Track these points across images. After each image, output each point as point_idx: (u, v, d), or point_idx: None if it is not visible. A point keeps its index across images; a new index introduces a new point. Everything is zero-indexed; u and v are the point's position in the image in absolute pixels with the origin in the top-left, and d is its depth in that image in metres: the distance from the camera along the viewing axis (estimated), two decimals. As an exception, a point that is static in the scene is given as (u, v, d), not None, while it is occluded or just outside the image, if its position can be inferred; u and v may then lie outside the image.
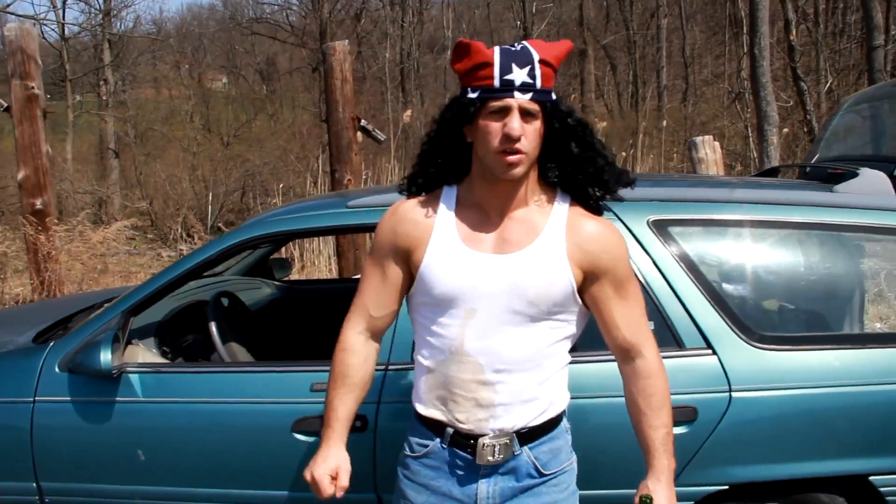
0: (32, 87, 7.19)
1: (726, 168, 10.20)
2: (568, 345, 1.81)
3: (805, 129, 12.10)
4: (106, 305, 2.79)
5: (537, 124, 1.66)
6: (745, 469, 2.31)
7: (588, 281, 1.75)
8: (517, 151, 1.63)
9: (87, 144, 22.87)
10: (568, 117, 1.69)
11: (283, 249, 7.25)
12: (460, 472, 1.78)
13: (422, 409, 1.81)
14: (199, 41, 32.93)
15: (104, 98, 22.48)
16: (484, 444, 1.74)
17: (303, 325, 3.80)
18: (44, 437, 2.58)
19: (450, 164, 1.79)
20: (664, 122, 11.52)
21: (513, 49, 1.66)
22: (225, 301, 3.13)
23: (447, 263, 1.73)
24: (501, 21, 30.12)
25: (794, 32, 11.20)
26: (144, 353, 2.71)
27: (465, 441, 1.76)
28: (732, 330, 2.35)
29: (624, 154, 10.87)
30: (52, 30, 22.24)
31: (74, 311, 3.26)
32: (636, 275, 2.34)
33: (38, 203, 7.23)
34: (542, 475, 1.78)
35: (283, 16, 29.03)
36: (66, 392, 2.57)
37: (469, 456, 1.76)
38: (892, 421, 2.30)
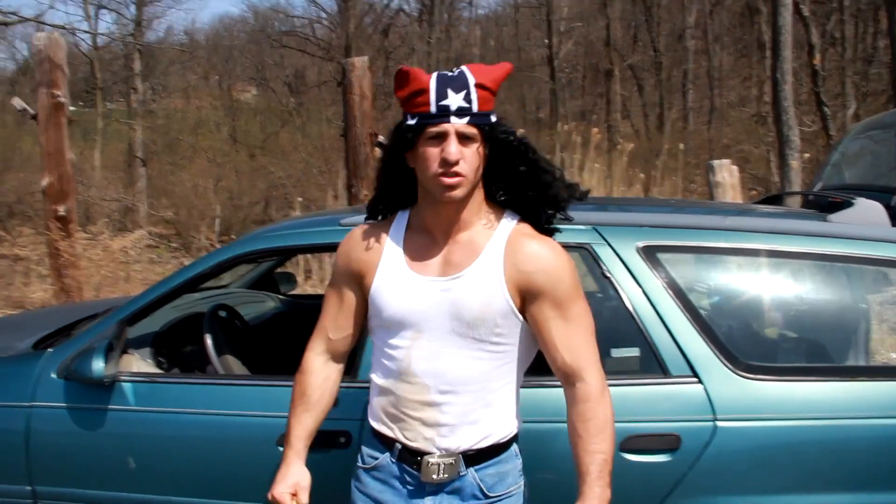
0: (58, 96, 7.34)
1: (747, 192, 10.15)
2: (515, 368, 1.82)
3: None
4: (104, 314, 2.84)
5: (476, 147, 1.69)
6: (729, 499, 2.28)
7: (527, 301, 1.76)
8: (455, 174, 1.66)
9: (116, 152, 23.19)
10: (509, 138, 1.73)
11: (295, 263, 7.32)
12: (407, 488, 1.81)
13: (374, 423, 1.86)
14: (230, 53, 33.32)
15: (133, 107, 22.84)
16: (429, 462, 1.77)
17: (303, 340, 3.83)
18: (39, 442, 2.63)
19: (401, 189, 1.83)
20: (681, 146, 11.42)
21: (449, 75, 1.70)
22: (222, 313, 3.17)
23: (393, 288, 1.77)
24: (528, 39, 30.20)
25: (817, 57, 11.14)
26: (140, 363, 2.76)
27: (412, 458, 1.79)
28: (719, 359, 2.34)
29: (643, 176, 10.83)
30: (84, 40, 22.68)
31: (78, 319, 3.32)
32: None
33: (62, 209, 7.37)
34: (487, 497, 1.80)
35: (311, 29, 29.33)
36: (62, 398, 2.62)
37: (416, 472, 1.79)
38: (881, 456, 2.27)
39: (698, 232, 2.54)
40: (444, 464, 1.77)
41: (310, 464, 1.95)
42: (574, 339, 1.76)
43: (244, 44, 33.57)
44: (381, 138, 7.21)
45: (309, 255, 8.91)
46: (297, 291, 5.04)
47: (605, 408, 1.75)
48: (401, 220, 1.85)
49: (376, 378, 1.85)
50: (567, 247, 2.58)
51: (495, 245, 1.76)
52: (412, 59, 27.00)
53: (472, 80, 1.69)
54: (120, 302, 3.11)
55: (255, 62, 32.34)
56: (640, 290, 2.42)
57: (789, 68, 8.90)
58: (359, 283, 1.85)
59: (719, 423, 2.28)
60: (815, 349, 2.62)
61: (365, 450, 1.90)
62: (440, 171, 1.67)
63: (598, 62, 26.19)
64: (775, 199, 3.92)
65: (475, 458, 1.79)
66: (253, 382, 2.66)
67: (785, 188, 8.78)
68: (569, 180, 1.83)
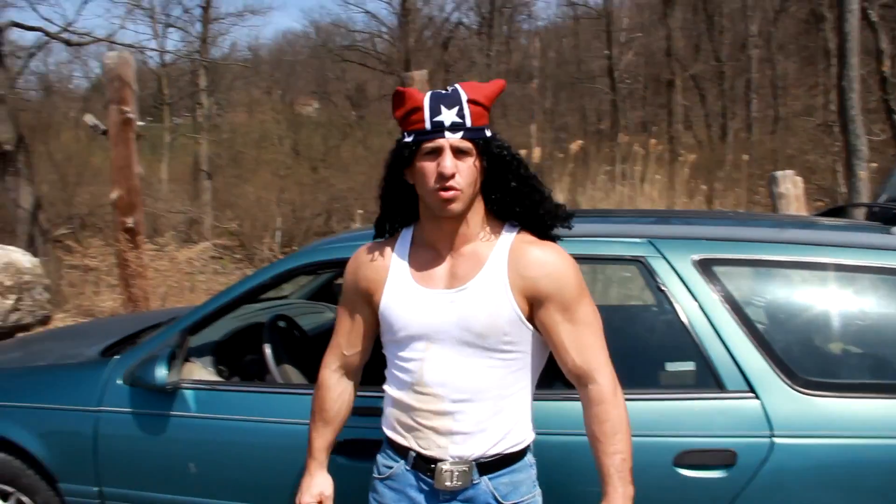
0: (127, 112, 7.59)
1: (812, 204, 9.91)
2: (527, 374, 1.85)
3: (898, 164, 11.63)
4: (167, 324, 2.94)
5: (471, 161, 1.74)
6: None
7: (534, 308, 1.79)
8: (451, 188, 1.71)
9: (182, 165, 23.80)
10: (503, 152, 1.78)
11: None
12: (421, 497, 1.85)
13: (389, 432, 1.91)
14: (292, 67, 33.96)
15: (199, 121, 23.44)
16: (443, 469, 1.80)
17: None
18: (106, 445, 2.74)
19: (403, 206, 1.89)
20: (744, 157, 11.21)
21: (443, 93, 1.76)
22: (282, 324, 3.24)
23: (402, 303, 1.83)
24: (588, 50, 30.06)
25: (886, 63, 10.82)
26: (201, 371, 2.84)
27: (426, 465, 1.83)
28: (777, 374, 2.30)
29: (705, 187, 10.66)
30: (152, 57, 23.39)
31: (144, 328, 3.43)
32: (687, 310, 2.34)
33: (130, 221, 7.61)
34: None
35: (372, 43, 29.70)
36: (127, 404, 2.72)
37: (430, 480, 1.83)
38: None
39: (755, 245, 2.50)
40: (458, 471, 1.80)
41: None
42: (583, 341, 1.79)
43: (306, 58, 34.21)
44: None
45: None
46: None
47: (619, 408, 1.78)
48: (405, 236, 1.92)
49: (390, 390, 1.90)
50: (621, 260, 2.61)
51: (498, 255, 1.80)
52: (472, 71, 27.12)
53: (464, 97, 1.75)
54: (183, 312, 3.20)
55: (316, 76, 32.89)
56: (696, 303, 2.40)
57: (856, 76, 8.67)
58: (368, 300, 1.91)
59: (777, 440, 2.25)
60: (876, 365, 2.55)
61: (380, 459, 1.95)
62: (437, 185, 1.72)
63: (659, 72, 25.91)
64: (839, 211, 3.82)
65: (489, 466, 1.82)
66: (310, 391, 2.70)
67: (852, 199, 8.55)
68: (556, 201, 1.87)
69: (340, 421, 2.04)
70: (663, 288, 2.44)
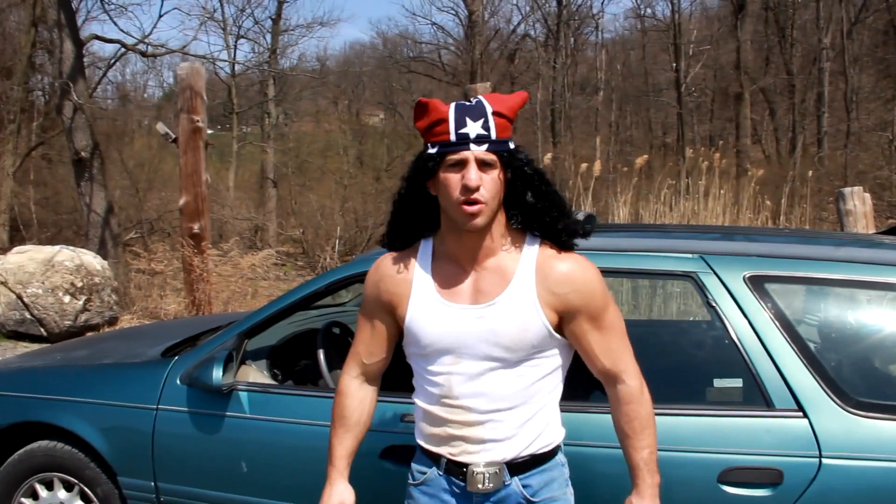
0: (197, 121, 7.84)
1: (883, 221, 9.62)
2: (557, 376, 1.87)
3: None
4: (226, 327, 3.03)
5: (495, 173, 1.73)
6: None
7: (564, 320, 1.81)
8: (476, 202, 1.70)
9: (249, 173, 24.37)
10: (525, 166, 1.77)
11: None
12: (454, 500, 1.87)
13: (421, 442, 1.94)
14: (359, 78, 34.43)
15: (266, 130, 23.95)
16: (475, 472, 1.82)
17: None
18: (163, 442, 2.84)
19: (422, 218, 1.87)
20: (810, 172, 10.95)
21: (467, 104, 1.75)
22: (336, 330, 3.31)
23: (428, 318, 1.82)
24: (655, 63, 29.75)
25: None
26: (256, 374, 2.92)
27: (458, 469, 1.85)
28: (827, 393, 2.26)
29: (771, 203, 10.45)
30: (223, 68, 24.02)
31: (204, 330, 3.54)
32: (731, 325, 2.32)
33: (196, 227, 7.84)
34: (530, 503, 1.85)
35: (438, 55, 29.94)
36: (185, 403, 2.81)
37: (462, 483, 1.84)
38: None
39: (808, 263, 2.47)
40: (490, 473, 1.82)
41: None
42: (611, 345, 1.84)
43: (373, 69, 34.65)
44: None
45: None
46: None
47: (646, 405, 1.85)
48: (426, 248, 1.90)
49: (420, 402, 1.92)
50: (672, 275, 2.61)
51: (524, 270, 1.80)
52: (537, 83, 27.10)
53: (489, 109, 1.73)
54: (241, 316, 3.30)
55: (383, 87, 33.29)
56: (746, 320, 2.37)
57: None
58: (390, 312, 1.91)
59: (825, 461, 2.21)
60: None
61: (414, 467, 1.96)
62: (461, 198, 1.71)
63: (727, 85, 25.49)
64: (900, 231, 3.72)
65: (520, 466, 1.84)
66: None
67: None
68: (577, 216, 1.87)
69: (362, 428, 2.02)
70: (713, 304, 2.43)
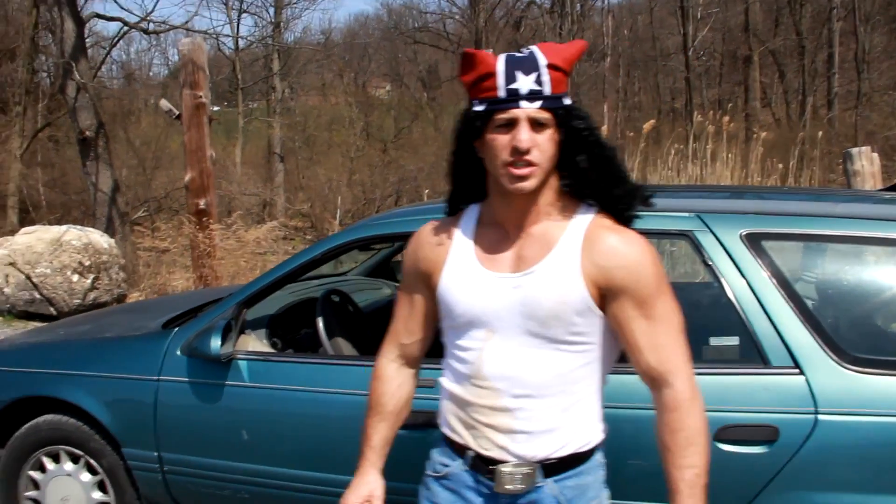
0: (200, 97, 7.82)
1: (890, 181, 9.52)
2: (597, 370, 1.67)
3: None
4: (226, 298, 3.04)
5: (550, 133, 1.56)
6: (828, 496, 2.19)
7: (607, 300, 1.61)
8: (527, 164, 1.54)
9: (256, 149, 24.34)
10: (582, 126, 1.59)
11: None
12: (479, 499, 1.69)
13: (445, 430, 1.76)
14: (364, 50, 34.22)
15: (272, 105, 23.89)
16: (504, 472, 1.64)
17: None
18: (165, 413, 2.86)
19: (471, 181, 1.71)
20: (819, 133, 10.82)
21: (518, 56, 1.57)
22: (335, 298, 3.32)
23: (462, 285, 1.66)
24: (663, 27, 29.41)
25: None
26: (255, 343, 2.93)
27: (485, 466, 1.67)
28: (824, 350, 2.24)
29: (781, 166, 10.37)
30: (226, 43, 23.92)
31: (205, 302, 3.56)
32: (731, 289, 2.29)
33: (202, 203, 7.86)
34: None
35: (443, 24, 29.71)
36: (185, 373, 2.84)
37: (489, 482, 1.66)
38: None
39: (805, 219, 2.45)
40: (520, 473, 1.63)
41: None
42: (659, 340, 1.61)
43: (378, 41, 34.40)
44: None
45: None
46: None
47: (696, 417, 1.59)
48: (471, 214, 1.74)
49: (446, 382, 1.74)
50: (668, 234, 2.59)
51: (571, 238, 1.62)
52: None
53: (543, 61, 1.55)
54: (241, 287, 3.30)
55: (388, 59, 33.09)
56: (743, 278, 2.35)
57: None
58: (427, 282, 1.75)
59: (821, 417, 2.20)
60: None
61: (435, 456, 1.78)
62: (510, 160, 1.54)
63: (736, 48, 25.20)
64: (902, 187, 3.69)
65: (554, 467, 1.65)
66: (359, 363, 2.77)
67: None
68: (634, 185, 1.67)
69: (398, 416, 1.85)
70: (710, 263, 2.41)
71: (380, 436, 1.83)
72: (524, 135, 1.53)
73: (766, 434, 2.22)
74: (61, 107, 15.28)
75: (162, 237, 8.88)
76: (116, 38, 17.07)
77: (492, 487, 1.66)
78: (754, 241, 2.40)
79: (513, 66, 1.55)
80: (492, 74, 1.55)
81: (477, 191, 1.72)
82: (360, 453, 1.86)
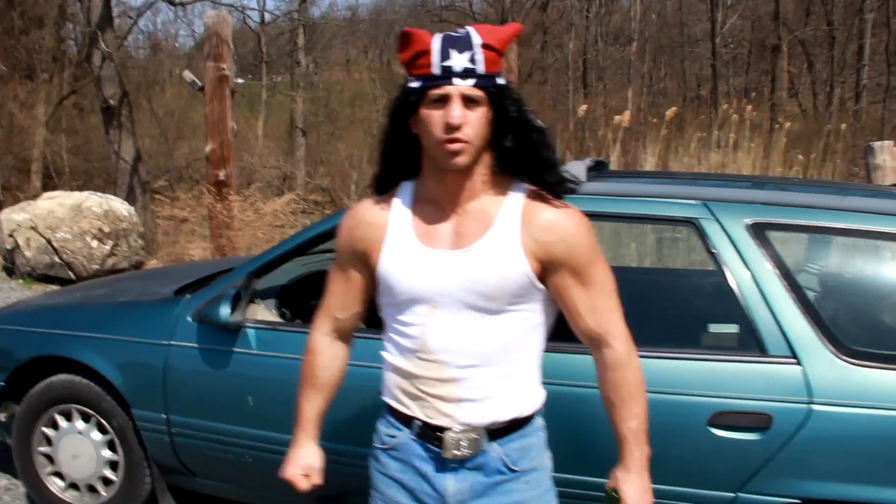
0: (223, 69, 7.87)
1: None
2: (537, 335, 1.74)
3: None
4: (237, 268, 3.10)
5: (482, 111, 1.59)
6: (818, 485, 2.23)
7: (548, 271, 1.67)
8: (459, 140, 1.57)
9: (279, 122, 24.38)
10: (511, 105, 1.62)
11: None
12: (428, 466, 1.74)
13: (391, 401, 1.79)
14: (390, 27, 34.11)
15: (296, 79, 23.91)
16: (450, 438, 1.69)
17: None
18: (174, 377, 2.94)
19: (404, 158, 1.73)
20: (843, 126, 10.69)
21: (454, 35, 1.61)
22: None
23: (403, 263, 1.69)
24: (691, 13, 29.07)
25: None
26: (264, 312, 2.99)
27: (432, 434, 1.72)
28: (821, 341, 2.27)
29: (802, 157, 10.27)
30: (252, 17, 23.93)
31: (218, 271, 3.62)
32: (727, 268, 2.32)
33: (222, 174, 7.93)
34: (512, 471, 1.72)
35: (469, 3, 29.53)
36: (195, 339, 2.90)
37: (436, 449, 1.71)
38: None
39: (811, 211, 2.46)
40: (467, 439, 1.69)
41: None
42: (597, 304, 1.69)
43: (404, 18, 34.25)
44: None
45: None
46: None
47: (635, 371, 1.71)
48: (405, 191, 1.76)
49: (389, 357, 1.77)
50: (674, 220, 2.61)
51: (509, 214, 1.66)
52: (570, 33, 26.68)
53: (477, 40, 1.59)
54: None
55: (414, 37, 32.90)
56: (746, 267, 2.37)
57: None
58: (364, 261, 1.77)
59: (815, 407, 2.23)
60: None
61: (382, 428, 1.82)
62: (444, 136, 1.57)
63: (765, 37, 24.89)
64: (919, 182, 3.68)
65: (499, 431, 1.71)
66: (365, 335, 2.81)
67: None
68: (563, 171, 1.71)
69: (332, 388, 1.92)
70: (713, 251, 2.44)
71: (315, 408, 1.91)
72: (456, 111, 1.57)
73: (759, 421, 2.25)
74: (87, 75, 15.40)
75: (181, 206, 8.96)
76: (143, 9, 17.16)
77: (439, 454, 1.72)
78: (759, 231, 2.42)
79: (448, 45, 1.59)
80: (427, 52, 1.59)
81: (409, 168, 1.75)
82: (296, 425, 1.91)
